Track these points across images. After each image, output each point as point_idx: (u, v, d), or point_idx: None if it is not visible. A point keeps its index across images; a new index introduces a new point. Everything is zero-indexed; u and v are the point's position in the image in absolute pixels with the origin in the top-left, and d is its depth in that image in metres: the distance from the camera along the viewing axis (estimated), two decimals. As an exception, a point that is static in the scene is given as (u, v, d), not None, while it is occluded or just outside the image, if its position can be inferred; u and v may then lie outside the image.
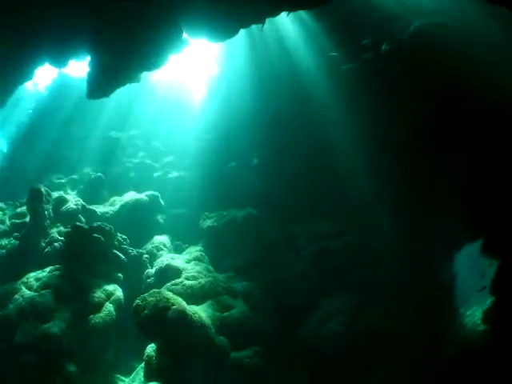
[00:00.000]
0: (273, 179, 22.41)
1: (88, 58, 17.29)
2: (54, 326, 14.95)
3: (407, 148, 16.80)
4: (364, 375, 13.54)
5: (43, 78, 30.76)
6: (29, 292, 16.18)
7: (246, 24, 16.76)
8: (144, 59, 16.87)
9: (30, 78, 18.75)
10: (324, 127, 20.07)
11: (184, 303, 14.50)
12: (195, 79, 32.60)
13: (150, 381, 14.11)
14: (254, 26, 18.97)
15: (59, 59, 17.72)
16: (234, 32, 16.48)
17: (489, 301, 14.55)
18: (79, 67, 20.74)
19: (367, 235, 17.70)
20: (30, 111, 29.42)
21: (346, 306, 15.49)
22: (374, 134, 17.92)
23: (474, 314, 15.47)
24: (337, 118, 19.37)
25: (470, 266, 16.93)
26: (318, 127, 20.58)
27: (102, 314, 16.18)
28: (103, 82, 17.32)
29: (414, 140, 16.67)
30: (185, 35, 16.73)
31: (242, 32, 18.05)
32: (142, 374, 15.01)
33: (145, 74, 19.61)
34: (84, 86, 17.69)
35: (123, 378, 16.24)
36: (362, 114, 18.46)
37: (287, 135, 22.33)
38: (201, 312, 14.95)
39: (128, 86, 19.24)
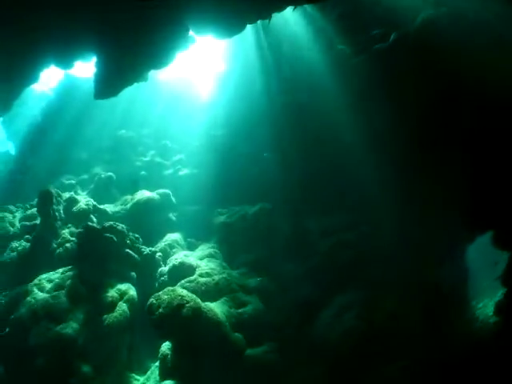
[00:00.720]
0: (284, 174, 22.20)
1: (94, 59, 17.32)
2: (68, 327, 14.88)
3: (415, 141, 16.51)
4: (379, 369, 13.35)
5: (50, 80, 30.98)
6: (41, 294, 16.11)
7: (252, 20, 16.73)
8: (150, 58, 16.89)
9: (36, 81, 18.79)
10: (334, 120, 19.81)
11: (199, 300, 14.40)
12: (203, 76, 33.10)
13: (166, 379, 14.02)
14: (259, 22, 18.94)
15: (65, 60, 17.79)
16: (241, 28, 16.43)
17: (500, 292, 14.41)
18: (86, 68, 20.90)
19: (379, 229, 17.53)
20: (38, 114, 29.43)
21: (360, 300, 15.28)
22: (383, 127, 17.62)
23: (485, 306, 15.40)
24: (346, 110, 19.11)
25: (482, 258, 16.79)
26: (327, 120, 20.34)
27: (115, 314, 16.07)
28: (110, 82, 17.34)
29: (422, 133, 16.41)
30: (191, 33, 16.73)
31: (249, 28, 18.20)
32: (157, 372, 14.93)
33: (152, 73, 19.63)
34: (91, 86, 17.71)
35: (138, 377, 16.19)
36: (371, 107, 18.16)
37: (297, 129, 22.12)
38: (216, 309, 14.84)
39: (136, 85, 19.31)
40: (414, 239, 15.88)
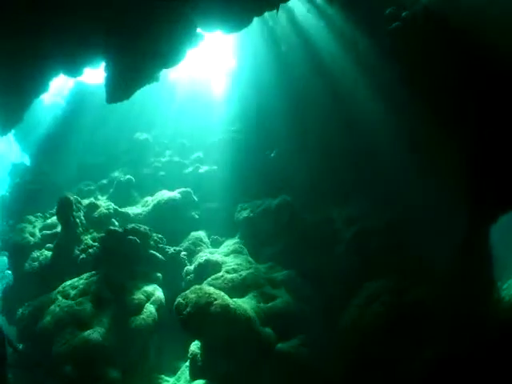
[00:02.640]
0: (304, 164, 21.93)
1: (103, 64, 17.16)
2: (94, 333, 14.72)
3: (443, 120, 15.91)
4: (411, 357, 12.95)
5: (61, 89, 31.11)
6: (65, 301, 16.02)
7: (258, 12, 16.43)
8: (160, 57, 16.72)
9: (46, 90, 18.69)
10: (351, 107, 19.59)
11: (227, 297, 14.13)
12: (214, 74, 33.16)
13: (196, 379, 13.88)
14: (267, 14, 18.64)
15: (73, 68, 17.62)
16: (248, 21, 16.21)
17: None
18: (95, 74, 20.97)
19: (405, 215, 17.11)
20: (51, 123, 29.59)
21: (388, 288, 14.86)
22: (401, 111, 17.04)
23: (510, 287, 15.29)
24: (363, 95, 18.73)
25: (506, 238, 16.43)
26: (345, 107, 20.08)
27: (143, 316, 15.96)
28: (121, 85, 17.19)
29: (450, 111, 15.75)
30: (199, 30, 16.60)
31: (257, 21, 18.00)
32: (187, 372, 14.78)
33: (164, 74, 19.47)
34: (102, 92, 17.60)
35: (168, 378, 16.07)
36: (387, 90, 17.53)
37: (315, 119, 21.90)
38: (244, 305, 14.60)
39: (148, 86, 19.21)
40: (440, 224, 15.36)
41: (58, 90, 32.33)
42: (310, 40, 21.83)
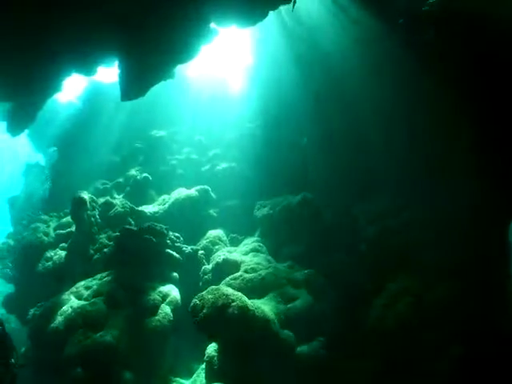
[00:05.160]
0: (324, 160, 21.50)
1: (117, 62, 17.16)
2: (107, 334, 14.38)
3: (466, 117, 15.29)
4: (437, 356, 12.73)
5: (75, 88, 31.12)
6: (78, 301, 15.72)
7: (273, 5, 16.32)
8: (174, 54, 16.72)
9: (59, 90, 18.78)
10: (370, 101, 19.00)
11: (245, 298, 13.62)
12: (231, 70, 33.26)
13: (213, 382, 13.40)
14: (282, 8, 18.29)
15: (86, 67, 17.71)
16: (263, 15, 16.17)
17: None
18: (109, 73, 20.91)
19: (428, 213, 16.50)
20: (66, 123, 29.51)
21: (411, 287, 14.53)
22: (419, 105, 16.57)
23: None
24: (380, 90, 18.22)
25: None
26: (364, 102, 19.48)
27: (158, 317, 15.54)
28: (136, 82, 17.15)
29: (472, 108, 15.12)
30: (213, 25, 16.63)
31: (272, 15, 18.05)
32: (203, 375, 14.37)
33: (181, 71, 19.17)
34: (117, 90, 17.48)
35: (183, 380, 15.71)
36: (404, 86, 17.16)
37: (335, 113, 21.27)
38: (263, 306, 14.11)
39: (164, 84, 19.03)
40: (463, 222, 14.84)
41: (73, 89, 32.30)
42: (329, 34, 21.12)
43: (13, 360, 11.63)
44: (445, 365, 12.39)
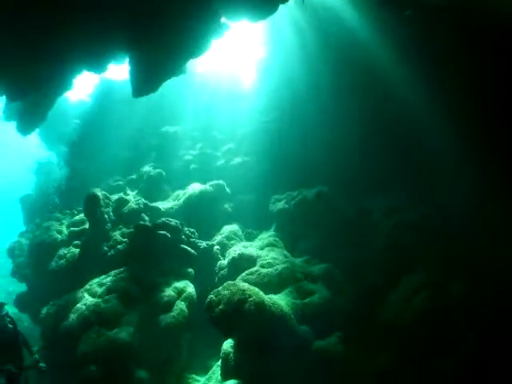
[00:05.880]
0: (340, 154, 21.37)
1: (127, 59, 17.14)
2: (122, 332, 14.22)
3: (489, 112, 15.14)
4: (455, 351, 12.40)
5: (86, 86, 31.22)
6: (92, 299, 15.58)
7: None
8: (184, 49, 16.61)
9: (70, 88, 18.81)
10: (386, 94, 18.96)
11: (261, 293, 13.38)
12: (243, 65, 33.39)
13: (229, 379, 13.14)
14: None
15: (97, 64, 17.65)
16: (273, 8, 15.99)
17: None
18: (120, 69, 20.76)
19: (445, 206, 16.45)
20: (78, 120, 29.54)
21: (428, 281, 14.20)
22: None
23: None
24: (399, 83, 17.95)
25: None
26: (379, 94, 19.57)
27: (173, 314, 15.36)
28: (147, 78, 17.05)
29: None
30: (223, 19, 16.55)
31: (284, 9, 18.07)
32: (218, 372, 14.08)
33: (192, 66, 19.04)
34: (128, 87, 17.45)
35: (198, 377, 15.51)
36: (426, 75, 16.86)
37: (350, 107, 21.26)
38: (280, 301, 13.89)
39: (176, 79, 18.93)
40: (483, 217, 14.73)
41: (84, 87, 32.43)
42: (339, 25, 21.05)
43: (36, 356, 11.66)
44: (464, 360, 12.10)
